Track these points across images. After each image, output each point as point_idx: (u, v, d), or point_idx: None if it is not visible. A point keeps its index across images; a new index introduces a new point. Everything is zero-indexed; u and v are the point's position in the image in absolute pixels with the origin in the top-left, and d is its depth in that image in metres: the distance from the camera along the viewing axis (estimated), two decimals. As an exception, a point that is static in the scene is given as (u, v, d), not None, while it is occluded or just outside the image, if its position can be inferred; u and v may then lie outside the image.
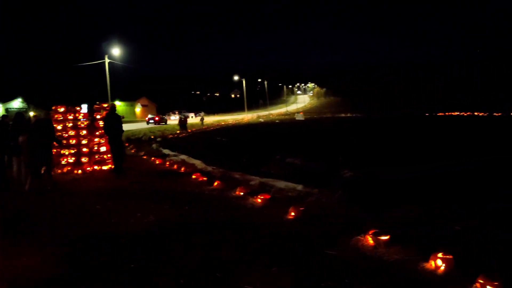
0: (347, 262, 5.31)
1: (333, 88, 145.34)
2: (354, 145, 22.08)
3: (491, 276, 4.31)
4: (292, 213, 7.37)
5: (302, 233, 6.54)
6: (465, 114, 67.98)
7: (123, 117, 14.39)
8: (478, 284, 4.32)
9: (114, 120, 13.22)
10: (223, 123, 52.66)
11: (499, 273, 4.47)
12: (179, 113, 63.78)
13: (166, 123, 58.53)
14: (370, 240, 5.72)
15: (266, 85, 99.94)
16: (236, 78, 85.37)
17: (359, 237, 5.93)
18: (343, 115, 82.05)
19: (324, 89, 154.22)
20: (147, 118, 62.93)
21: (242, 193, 9.45)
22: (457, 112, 73.49)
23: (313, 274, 5.03)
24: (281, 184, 10.84)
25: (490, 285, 4.22)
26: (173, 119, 67.78)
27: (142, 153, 19.74)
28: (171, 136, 32.15)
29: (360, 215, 7.41)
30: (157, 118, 60.15)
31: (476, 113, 68.11)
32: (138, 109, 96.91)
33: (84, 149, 14.46)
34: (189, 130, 38.21)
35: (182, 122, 37.21)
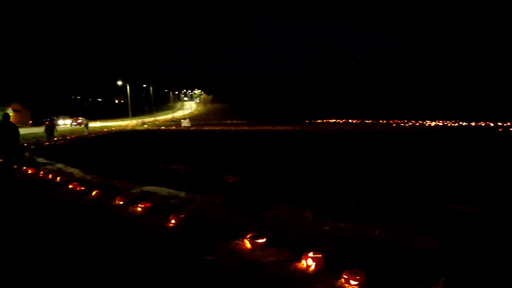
0: (225, 267, 5.38)
1: (219, 95, 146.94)
2: (242, 150, 22.49)
3: (355, 271, 4.68)
4: (173, 221, 7.28)
5: (182, 241, 6.48)
6: (341, 121, 73.30)
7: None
8: (343, 279, 4.66)
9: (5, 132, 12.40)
10: (105, 130, 50.35)
11: (362, 268, 4.87)
12: (50, 120, 59.27)
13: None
14: (247, 244, 5.86)
15: (151, 91, 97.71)
16: (119, 83, 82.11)
17: (237, 241, 6.04)
18: (229, 121, 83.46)
19: (211, 96, 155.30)
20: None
21: (122, 202, 9.09)
22: (333, 119, 78.97)
23: (191, 281, 5.01)
24: (164, 191, 10.64)
25: (353, 279, 4.58)
26: (60, 124, 63.71)
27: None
28: (47, 143, 29.88)
29: (240, 220, 7.55)
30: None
31: (350, 120, 74.03)
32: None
33: None
34: (60, 137, 35.52)
35: (49, 129, 32.70)
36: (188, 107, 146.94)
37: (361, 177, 12.65)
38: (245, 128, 52.49)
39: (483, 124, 47.91)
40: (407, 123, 59.02)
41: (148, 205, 8.54)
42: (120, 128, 56.95)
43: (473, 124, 49.99)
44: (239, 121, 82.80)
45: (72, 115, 77.95)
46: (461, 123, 52.82)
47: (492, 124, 46.80)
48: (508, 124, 45.08)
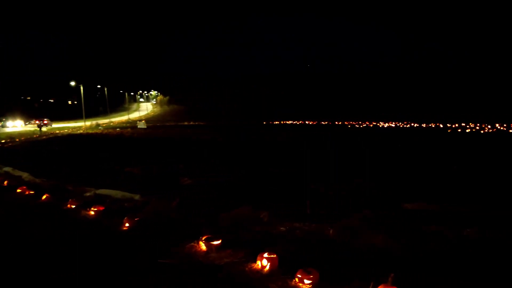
0: (180, 269, 5.33)
1: (176, 97, 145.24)
2: (198, 153, 22.33)
3: (308, 270, 4.75)
4: (127, 224, 7.14)
5: (136, 244, 6.37)
6: (298, 123, 74.20)
7: None
8: (297, 279, 4.73)
9: None
10: (57, 132, 48.70)
11: (316, 267, 4.95)
12: None
13: None
14: (202, 246, 5.83)
15: (106, 92, 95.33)
16: (73, 83, 79.67)
17: (192, 244, 6.00)
18: (186, 123, 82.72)
19: (168, 97, 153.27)
20: None
21: (74, 206, 8.82)
22: (290, 121, 79.85)
23: (145, 285, 4.94)
24: (118, 194, 10.42)
25: (307, 278, 4.66)
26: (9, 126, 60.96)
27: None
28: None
29: (196, 222, 7.51)
30: None
31: (307, 122, 75.09)
32: None
33: None
34: (9, 140, 33.78)
35: None
36: (144, 109, 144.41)
37: (316, 178, 12.86)
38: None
39: (433, 126, 49.76)
40: (361, 124, 60.46)
41: (101, 208, 8.34)
42: (74, 130, 55.31)
43: (423, 125, 51.82)
44: (196, 123, 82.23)
45: (24, 116, 74.85)
46: (412, 124, 54.64)
47: (441, 126, 48.67)
48: (456, 125, 47.04)
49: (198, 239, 5.98)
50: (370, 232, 6.91)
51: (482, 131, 38.41)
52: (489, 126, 43.15)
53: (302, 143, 27.96)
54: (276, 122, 77.43)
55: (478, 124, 44.83)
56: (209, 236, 5.91)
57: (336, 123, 69.30)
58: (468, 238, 6.65)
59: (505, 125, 43.88)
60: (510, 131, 37.84)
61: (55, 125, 68.02)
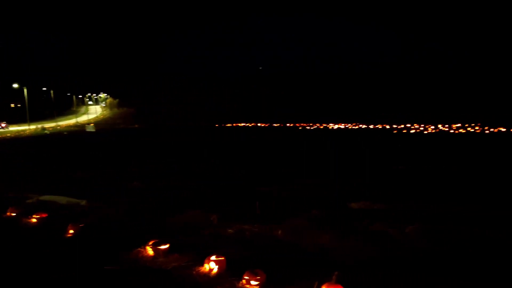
0: (127, 275, 5.25)
1: (126, 99, 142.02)
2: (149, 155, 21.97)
3: (255, 272, 4.80)
4: (71, 231, 6.92)
5: (81, 252, 6.19)
6: (250, 125, 74.46)
7: None
8: (244, 280, 4.77)
9: None
10: (-1, 136, 46.46)
11: (263, 268, 5.01)
12: None
13: None
14: (149, 251, 5.76)
15: (52, 94, 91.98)
16: (15, 85, 76.36)
17: (139, 249, 5.92)
18: (136, 126, 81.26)
19: (118, 100, 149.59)
20: None
21: (14, 214, 8.44)
22: (243, 123, 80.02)
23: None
24: (63, 200, 10.10)
25: (254, 280, 4.71)
26: None
27: None
28: None
29: (144, 226, 7.41)
30: None
31: (259, 124, 75.50)
32: None
33: None
34: None
35: None
36: (93, 112, 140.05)
37: (265, 179, 13.01)
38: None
39: (380, 127, 51.29)
40: (312, 126, 61.45)
41: (44, 215, 8.02)
42: (17, 134, 52.98)
43: (371, 126, 53.33)
44: (147, 126, 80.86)
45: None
46: (360, 125, 56.08)
47: (388, 126, 50.26)
48: (402, 126, 48.68)
49: (145, 244, 5.90)
50: (317, 232, 7.08)
51: (425, 132, 40.00)
52: (433, 127, 44.97)
53: (254, 145, 28.12)
54: (228, 125, 77.37)
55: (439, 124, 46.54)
56: (157, 240, 5.84)
57: (288, 125, 70.07)
58: (410, 235, 6.94)
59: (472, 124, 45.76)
60: (452, 131, 39.68)
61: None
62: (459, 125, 44.47)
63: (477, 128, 41.26)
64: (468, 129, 41.09)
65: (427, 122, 48.09)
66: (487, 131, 37.80)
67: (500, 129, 38.59)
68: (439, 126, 44.64)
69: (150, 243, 5.81)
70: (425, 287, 4.93)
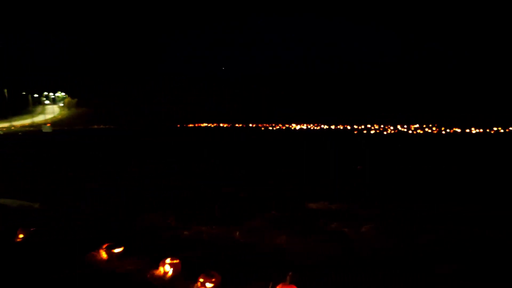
0: (79, 280, 5.11)
1: (85, 99, 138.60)
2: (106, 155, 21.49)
3: (211, 274, 4.78)
4: (21, 235, 6.68)
5: (32, 257, 5.98)
6: (212, 125, 74.32)
7: None
8: (199, 283, 4.73)
9: None
10: None
11: (219, 270, 4.99)
12: None
13: None
14: (103, 254, 5.63)
15: (6, 93, 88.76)
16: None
17: (92, 253, 5.77)
18: (95, 126, 79.46)
19: (76, 100, 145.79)
20: None
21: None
22: (205, 123, 79.78)
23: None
24: (15, 203, 9.73)
25: (209, 282, 4.69)
26: None
27: None
28: None
29: (99, 229, 7.25)
30: None
31: (221, 124, 75.47)
32: None
33: None
34: None
35: None
36: (50, 111, 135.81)
37: (225, 180, 12.98)
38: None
39: (341, 127, 52.23)
40: (274, 126, 61.86)
41: (-8, 220, 7.71)
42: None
43: (332, 127, 54.21)
44: (106, 126, 79.22)
45: None
46: (322, 126, 56.89)
47: (349, 127, 51.24)
48: (362, 127, 49.73)
49: (99, 248, 5.76)
50: (275, 233, 7.12)
51: (384, 132, 41.01)
52: (391, 128, 46.14)
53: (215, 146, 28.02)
54: (191, 125, 76.88)
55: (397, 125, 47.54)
56: (111, 244, 5.71)
57: (250, 125, 70.33)
58: (366, 234, 7.08)
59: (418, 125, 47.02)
60: (412, 131, 40.81)
61: None
62: (417, 125, 45.86)
63: (434, 128, 42.65)
64: (426, 129, 42.42)
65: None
66: (443, 132, 39.15)
67: (455, 129, 40.04)
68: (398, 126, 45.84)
69: (104, 246, 5.68)
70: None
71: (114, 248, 5.61)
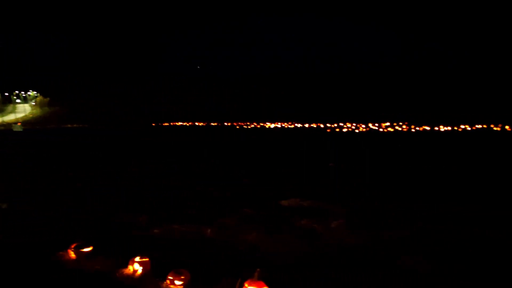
0: (48, 280, 5.06)
1: (58, 98, 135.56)
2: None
3: (180, 272, 4.80)
4: (-13, 237, 6.56)
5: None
6: (188, 124, 73.95)
7: None
8: (168, 281, 4.75)
9: None
10: None
11: (189, 267, 5.02)
12: None
13: None
14: (71, 254, 5.58)
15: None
16: None
17: (61, 253, 5.72)
18: (69, 125, 78.10)
19: (48, 99, 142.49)
20: None
21: None
22: (180, 122, 79.28)
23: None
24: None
25: (178, 280, 4.70)
26: None
27: None
28: None
29: (70, 229, 7.17)
30: None
31: (197, 123, 75.20)
32: None
33: None
34: None
35: None
36: (21, 110, 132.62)
37: (200, 179, 12.97)
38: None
39: (314, 125, 52.76)
40: (249, 125, 62.03)
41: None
42: None
43: (306, 125, 54.73)
44: (80, 125, 77.96)
45: None
46: (296, 124, 57.38)
47: (322, 126, 51.78)
48: (335, 125, 50.33)
49: (68, 247, 5.71)
50: (247, 230, 7.18)
51: (356, 130, 41.63)
52: (363, 126, 46.83)
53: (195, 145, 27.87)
54: (166, 124, 76.29)
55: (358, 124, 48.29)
56: (79, 243, 5.66)
57: (225, 124, 70.31)
58: (335, 230, 7.21)
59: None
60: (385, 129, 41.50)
61: None
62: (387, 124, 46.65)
63: (404, 126, 43.47)
64: (396, 128, 43.20)
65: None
66: (413, 130, 39.97)
67: (425, 127, 40.91)
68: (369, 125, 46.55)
69: (72, 246, 5.63)
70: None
71: (84, 248, 5.56)
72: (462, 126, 40.51)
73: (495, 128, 38.57)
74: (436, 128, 39.69)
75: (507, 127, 37.59)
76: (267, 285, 4.48)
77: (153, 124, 74.03)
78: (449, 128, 39.88)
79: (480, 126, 40.63)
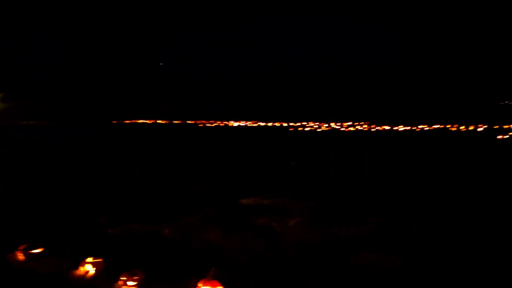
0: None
1: (12, 93, 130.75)
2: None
3: (133, 272, 4.72)
4: None
5: None
6: (150, 122, 72.57)
7: None
8: (121, 282, 4.65)
9: None
10: None
11: (144, 267, 4.94)
12: None
13: None
14: (20, 256, 5.38)
15: None
16: None
17: (9, 255, 5.51)
18: (25, 122, 75.24)
19: (2, 94, 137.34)
20: None
21: None
22: (142, 120, 77.68)
23: None
24: None
25: (131, 280, 4.62)
26: None
27: None
28: None
29: (23, 229, 6.94)
30: None
31: (159, 121, 73.89)
32: None
33: None
34: None
35: None
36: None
37: (162, 178, 12.81)
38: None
39: (278, 124, 52.90)
40: (213, 123, 61.58)
41: None
42: None
43: (269, 124, 54.77)
44: (36, 122, 75.11)
45: None
46: (259, 123, 57.35)
47: (285, 124, 52.01)
48: (300, 124, 50.64)
49: (16, 249, 5.50)
50: (207, 229, 7.14)
51: (318, 130, 42.10)
52: (325, 125, 47.39)
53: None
54: (127, 121, 74.62)
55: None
56: (28, 245, 5.47)
57: (188, 122, 69.54)
58: (293, 228, 7.26)
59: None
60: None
61: None
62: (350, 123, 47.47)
63: (365, 126, 44.34)
64: (358, 127, 44.02)
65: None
66: (373, 129, 40.87)
67: (384, 127, 41.87)
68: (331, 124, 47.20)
69: (21, 248, 5.43)
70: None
71: (33, 249, 5.37)
72: (420, 126, 41.64)
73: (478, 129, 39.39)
74: (396, 128, 40.64)
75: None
76: (221, 284, 4.45)
77: (114, 122, 72.17)
78: (408, 128, 40.84)
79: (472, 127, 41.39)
